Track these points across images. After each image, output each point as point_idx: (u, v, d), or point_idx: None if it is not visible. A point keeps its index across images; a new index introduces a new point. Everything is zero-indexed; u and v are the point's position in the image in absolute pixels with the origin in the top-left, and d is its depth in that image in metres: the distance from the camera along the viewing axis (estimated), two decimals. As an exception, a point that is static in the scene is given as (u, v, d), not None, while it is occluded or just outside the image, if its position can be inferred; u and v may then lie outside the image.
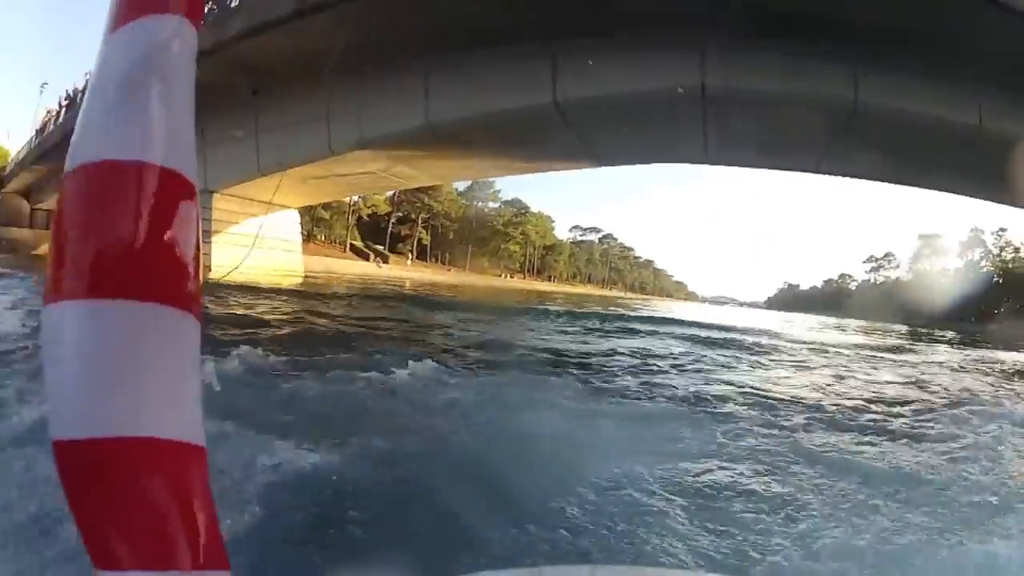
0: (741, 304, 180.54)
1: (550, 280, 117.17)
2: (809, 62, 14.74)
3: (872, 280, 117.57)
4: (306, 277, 32.85)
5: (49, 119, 38.27)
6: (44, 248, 41.84)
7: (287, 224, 31.68)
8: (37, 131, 41.39)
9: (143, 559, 0.75)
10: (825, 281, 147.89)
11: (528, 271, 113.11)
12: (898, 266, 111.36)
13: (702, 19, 14.55)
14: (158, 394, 0.78)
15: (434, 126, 20.29)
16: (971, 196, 20.92)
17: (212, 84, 22.38)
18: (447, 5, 15.97)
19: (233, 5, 22.10)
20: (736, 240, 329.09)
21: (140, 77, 0.81)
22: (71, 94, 34.60)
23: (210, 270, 26.29)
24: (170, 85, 0.83)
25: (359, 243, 76.52)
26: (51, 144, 35.02)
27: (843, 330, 36.62)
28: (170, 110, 0.82)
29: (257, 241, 28.13)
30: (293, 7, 18.50)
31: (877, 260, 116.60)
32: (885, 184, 21.31)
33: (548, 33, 16.60)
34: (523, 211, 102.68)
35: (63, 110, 35.41)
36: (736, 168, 23.93)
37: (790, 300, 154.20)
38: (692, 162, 21.94)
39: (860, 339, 26.72)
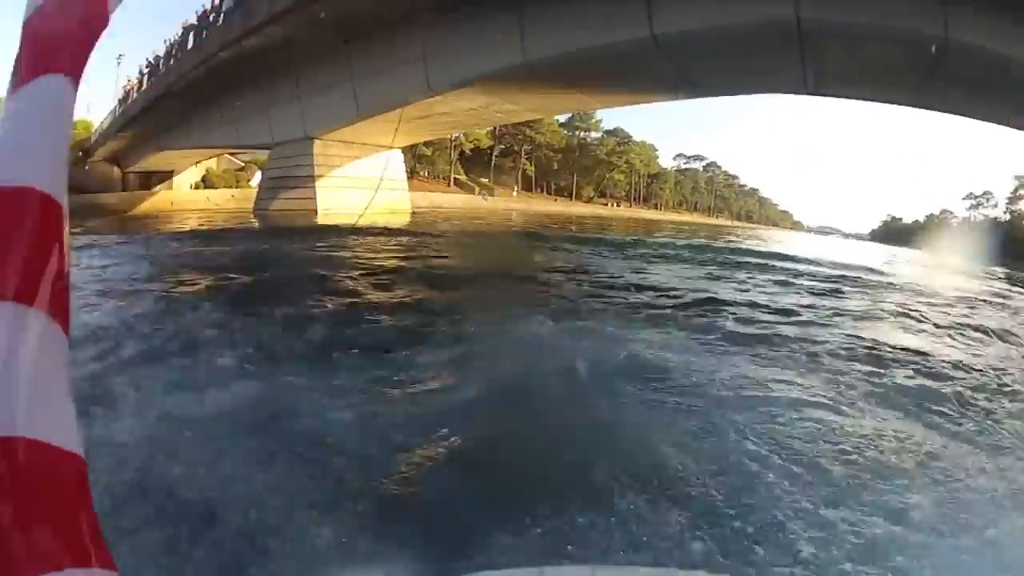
0: (845, 235, 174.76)
1: (656, 208, 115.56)
2: None
3: (971, 217, 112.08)
4: (413, 213, 33.29)
5: (132, 88, 39.24)
6: (137, 209, 43.51)
7: (391, 163, 32.16)
8: (120, 100, 42.55)
9: (23, 559, 0.76)
10: (927, 216, 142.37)
11: (634, 199, 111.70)
12: (996, 205, 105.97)
13: None
14: (28, 395, 0.81)
15: (531, 63, 20.13)
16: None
17: (303, 38, 22.89)
18: None
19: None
20: (840, 170, 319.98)
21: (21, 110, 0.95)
22: (152, 61, 35.47)
23: (316, 213, 26.95)
24: (46, 122, 0.96)
25: (463, 177, 76.82)
26: (135, 112, 36.54)
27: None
28: (40, 138, 0.95)
29: (368, 183, 28.63)
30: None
31: (976, 198, 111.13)
32: (983, 123, 19.94)
33: None
34: (625, 140, 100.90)
35: (144, 77, 36.41)
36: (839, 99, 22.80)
37: (893, 233, 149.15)
38: (790, 92, 21.51)
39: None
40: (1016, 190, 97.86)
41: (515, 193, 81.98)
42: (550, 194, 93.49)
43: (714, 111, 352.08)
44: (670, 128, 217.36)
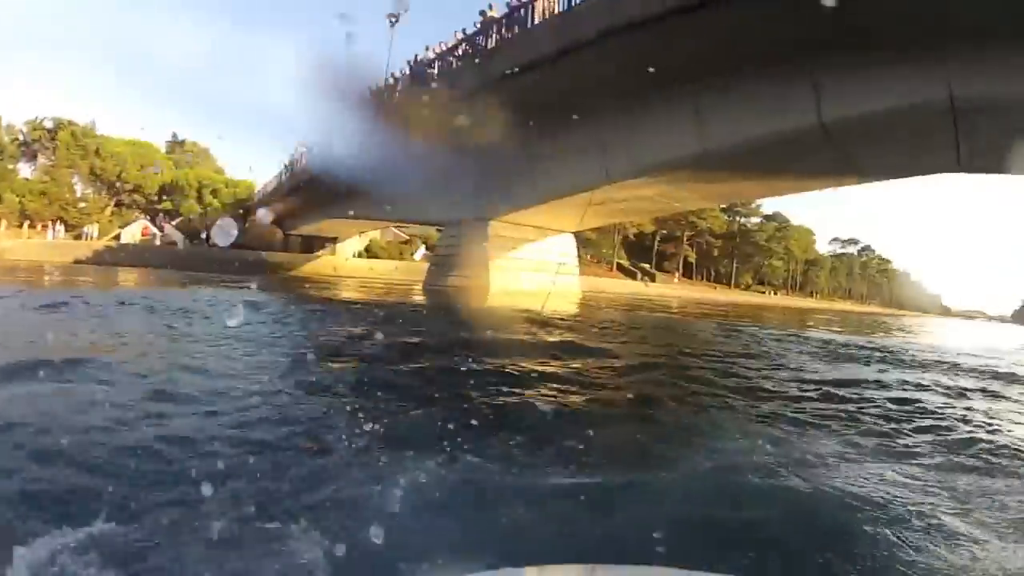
0: (989, 318, 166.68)
1: (812, 296, 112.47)
2: None
3: None
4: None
5: (301, 157, 40.87)
6: (302, 270, 45.04)
7: (563, 247, 33.01)
8: (286, 166, 44.71)
9: None
10: None
11: (790, 287, 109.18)
12: None
13: (941, 29, 14.71)
14: None
15: (707, 151, 20.76)
16: None
17: (483, 121, 23.33)
18: (712, 31, 16.77)
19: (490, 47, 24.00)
20: (986, 249, 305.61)
21: None
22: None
23: (487, 293, 27.09)
24: None
25: (625, 262, 77.00)
26: (302, 180, 38.40)
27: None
28: None
29: (539, 265, 28.74)
30: (555, 48, 20.11)
31: None
32: None
33: (807, 53, 17.07)
34: (784, 224, 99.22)
35: (305, 152, 38.55)
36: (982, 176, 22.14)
37: None
38: (947, 171, 21.30)
39: None
40: None
41: (676, 280, 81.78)
42: (709, 280, 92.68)
43: (868, 192, 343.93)
44: (827, 210, 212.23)
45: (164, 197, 57.49)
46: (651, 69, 17.85)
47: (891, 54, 15.95)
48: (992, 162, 19.61)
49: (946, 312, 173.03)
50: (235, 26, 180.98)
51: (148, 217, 55.44)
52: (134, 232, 52.65)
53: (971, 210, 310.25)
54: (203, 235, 53.51)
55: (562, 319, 19.13)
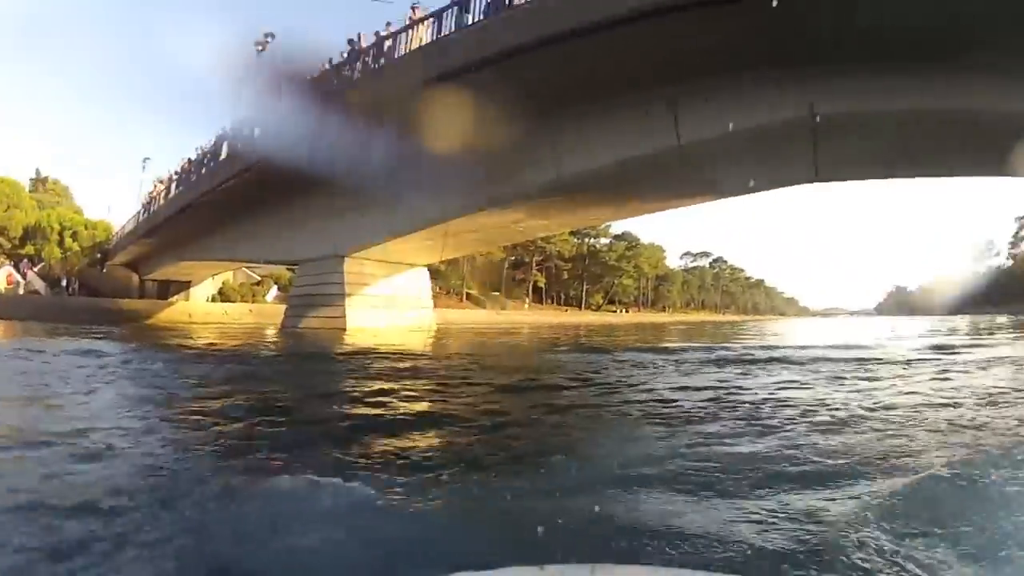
0: (851, 313, 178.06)
1: (664, 310, 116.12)
2: (903, 79, 15.08)
3: (975, 271, 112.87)
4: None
5: (158, 194, 39.76)
6: (155, 318, 43.35)
7: (417, 282, 32.42)
8: (144, 206, 42.95)
9: None
10: (932, 279, 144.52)
11: (642, 303, 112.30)
12: (998, 253, 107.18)
13: (805, 54, 15.34)
14: None
15: (564, 178, 20.91)
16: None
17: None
18: (565, 63, 17.01)
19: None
20: (840, 250, 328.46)
21: None
22: (180, 171, 36.48)
23: (345, 332, 26.68)
24: None
25: (475, 291, 77.17)
26: (159, 221, 37.11)
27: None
28: None
29: (395, 301, 28.59)
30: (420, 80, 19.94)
31: (978, 250, 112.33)
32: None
33: (666, 79, 17.38)
34: (634, 244, 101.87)
35: (172, 185, 37.16)
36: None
37: (900, 304, 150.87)
38: (803, 183, 22.04)
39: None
40: (1018, 232, 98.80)
41: (526, 306, 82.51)
42: (560, 304, 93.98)
43: (717, 204, 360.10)
44: (677, 225, 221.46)
45: (28, 241, 53.72)
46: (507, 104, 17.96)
47: (749, 78, 16.48)
48: (848, 172, 20.86)
49: (803, 312, 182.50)
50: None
51: (12, 263, 51.54)
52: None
53: (821, 214, 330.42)
54: (63, 282, 50.92)
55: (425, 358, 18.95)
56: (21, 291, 49.26)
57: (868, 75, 15.30)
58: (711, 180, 21.72)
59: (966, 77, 14.38)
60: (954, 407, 8.64)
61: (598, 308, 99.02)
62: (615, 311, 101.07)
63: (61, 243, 53.84)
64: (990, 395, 10.05)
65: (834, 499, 4.42)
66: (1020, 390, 11.13)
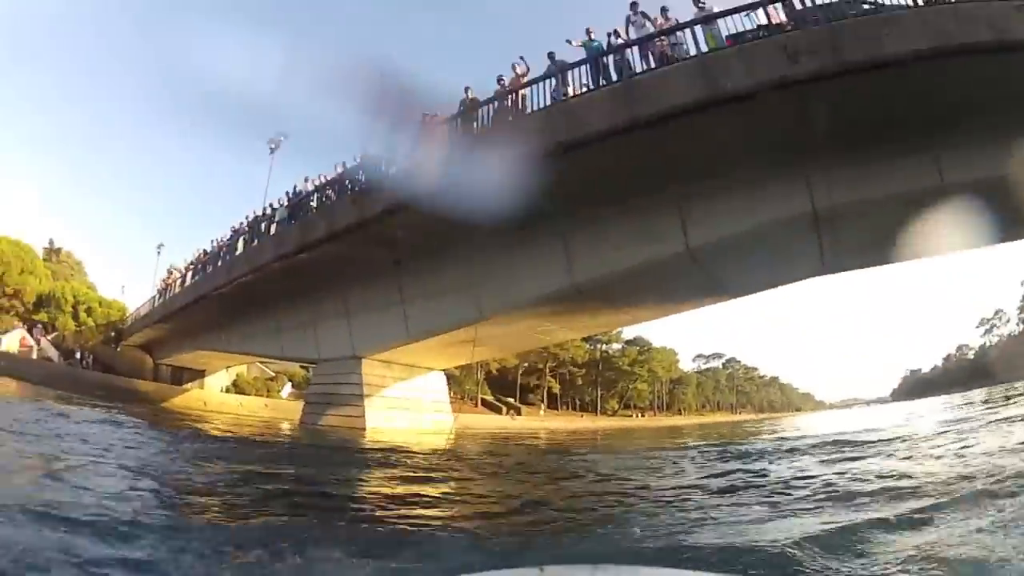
0: (868, 402, 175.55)
1: (679, 413, 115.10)
2: (897, 161, 15.89)
3: (987, 343, 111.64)
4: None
5: (173, 282, 40.51)
6: (173, 402, 43.57)
7: (435, 384, 32.61)
8: (160, 291, 43.85)
9: None
10: (944, 358, 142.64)
11: (657, 407, 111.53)
12: (1008, 320, 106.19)
13: (802, 146, 15.84)
14: None
15: (577, 285, 21.00)
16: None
17: (355, 256, 24.04)
18: (578, 170, 17.02)
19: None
20: (850, 339, 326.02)
21: None
22: (196, 261, 37.26)
23: (364, 432, 26.85)
24: None
25: (489, 396, 77.20)
26: (174, 309, 37.71)
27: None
28: None
29: (413, 404, 28.90)
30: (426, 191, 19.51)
31: (988, 320, 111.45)
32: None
33: (673, 183, 17.83)
34: (646, 348, 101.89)
35: (188, 275, 37.82)
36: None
37: (915, 386, 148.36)
38: (811, 276, 22.19)
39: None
40: None
41: (542, 412, 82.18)
42: (575, 410, 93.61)
43: (727, 305, 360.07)
44: (689, 328, 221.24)
45: (41, 308, 54.38)
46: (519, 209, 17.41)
47: (752, 176, 16.83)
48: (854, 261, 21.03)
49: (820, 406, 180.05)
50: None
51: (26, 327, 52.23)
52: (12, 341, 49.38)
53: (829, 307, 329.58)
54: (77, 355, 51.66)
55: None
56: (34, 355, 49.91)
57: (861, 163, 16.01)
58: (720, 281, 22.00)
59: (942, 155, 15.49)
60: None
61: (614, 413, 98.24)
62: (630, 415, 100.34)
63: (75, 316, 54.72)
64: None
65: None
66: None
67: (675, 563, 4.90)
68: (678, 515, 8.04)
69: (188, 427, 22.76)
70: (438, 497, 9.34)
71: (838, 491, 9.02)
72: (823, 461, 14.09)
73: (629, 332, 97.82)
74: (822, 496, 8.74)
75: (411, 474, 12.13)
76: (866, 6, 14.98)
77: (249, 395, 53.01)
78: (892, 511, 7.02)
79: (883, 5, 14.90)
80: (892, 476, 9.92)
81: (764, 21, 15.73)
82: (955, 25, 13.39)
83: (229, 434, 22.10)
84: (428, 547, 5.96)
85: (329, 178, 26.71)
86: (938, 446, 15.15)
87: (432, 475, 12.29)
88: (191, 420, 28.81)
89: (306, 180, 28.64)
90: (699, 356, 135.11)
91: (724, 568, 3.49)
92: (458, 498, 9.63)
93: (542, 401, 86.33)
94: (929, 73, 13.63)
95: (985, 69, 13.58)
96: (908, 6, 14.68)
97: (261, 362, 53.38)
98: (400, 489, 9.79)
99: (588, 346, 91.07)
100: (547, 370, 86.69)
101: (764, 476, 11.98)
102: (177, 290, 38.67)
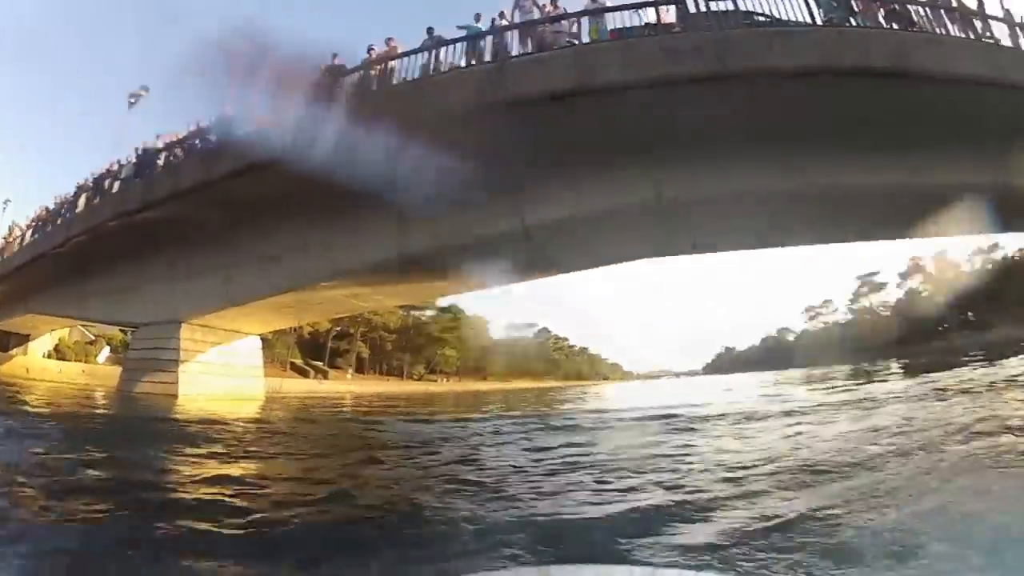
0: (677, 375, 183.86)
1: (484, 379, 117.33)
2: (740, 160, 16.67)
3: (810, 328, 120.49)
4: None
5: (14, 240, 37.59)
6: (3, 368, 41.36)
7: (249, 349, 31.91)
8: None
9: None
10: (763, 339, 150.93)
11: (463, 373, 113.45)
12: (836, 310, 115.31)
13: (650, 143, 16.51)
14: None
15: (406, 256, 20.92)
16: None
17: (183, 219, 23.41)
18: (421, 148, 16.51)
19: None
20: (666, 314, 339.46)
21: None
22: (36, 218, 34.95)
23: (177, 398, 26.60)
24: None
25: (299, 361, 76.80)
26: (16, 265, 34.83)
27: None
28: None
29: (227, 369, 28.79)
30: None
31: (815, 308, 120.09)
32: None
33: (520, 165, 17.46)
34: (458, 315, 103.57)
35: (26, 233, 35.48)
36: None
37: (728, 363, 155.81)
38: (643, 258, 23.35)
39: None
40: (858, 289, 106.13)
41: (349, 375, 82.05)
42: (382, 374, 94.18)
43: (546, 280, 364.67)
44: (504, 299, 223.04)
45: None
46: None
47: (602, 162, 17.16)
48: (723, 243, 22.34)
49: (627, 376, 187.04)
50: None
51: None
52: None
53: (642, 285, 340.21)
54: None
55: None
56: None
57: (714, 158, 16.55)
58: (554, 257, 22.68)
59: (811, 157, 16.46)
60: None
61: (420, 378, 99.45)
62: (435, 380, 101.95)
63: None
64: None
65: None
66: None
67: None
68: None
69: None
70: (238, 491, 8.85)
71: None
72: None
73: (443, 301, 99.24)
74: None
75: (214, 456, 11.86)
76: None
77: (68, 360, 50.47)
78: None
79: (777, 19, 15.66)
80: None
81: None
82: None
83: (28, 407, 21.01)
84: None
85: (180, 136, 25.77)
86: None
87: (233, 457, 12.06)
88: (13, 390, 27.59)
89: (157, 137, 27.23)
90: (511, 325, 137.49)
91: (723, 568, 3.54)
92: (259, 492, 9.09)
93: (350, 365, 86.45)
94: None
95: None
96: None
97: (83, 326, 50.68)
98: (200, 477, 9.54)
99: (402, 312, 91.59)
100: (358, 335, 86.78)
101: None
102: (14, 251, 35.93)
